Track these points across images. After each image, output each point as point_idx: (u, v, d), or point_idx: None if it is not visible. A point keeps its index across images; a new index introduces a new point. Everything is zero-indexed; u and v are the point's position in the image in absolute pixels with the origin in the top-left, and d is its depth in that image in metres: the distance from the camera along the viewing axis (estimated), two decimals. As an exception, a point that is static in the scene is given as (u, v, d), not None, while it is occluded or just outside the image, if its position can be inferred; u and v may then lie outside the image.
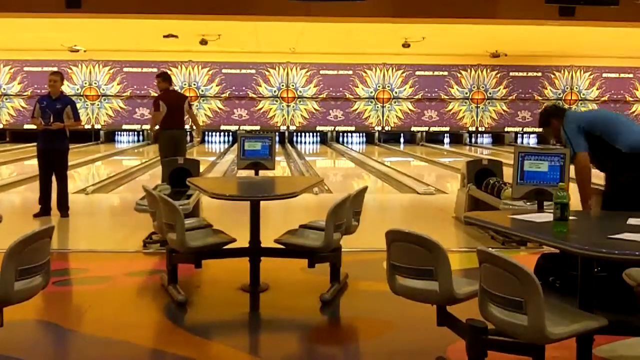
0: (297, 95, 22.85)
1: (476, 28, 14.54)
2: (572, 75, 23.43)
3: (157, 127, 8.75)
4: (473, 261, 3.10)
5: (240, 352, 3.79)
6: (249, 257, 4.82)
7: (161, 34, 17.16)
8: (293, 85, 22.81)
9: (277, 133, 19.46)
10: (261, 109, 22.78)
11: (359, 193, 4.93)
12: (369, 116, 23.13)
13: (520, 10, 10.18)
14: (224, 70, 22.55)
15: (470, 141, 23.58)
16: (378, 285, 4.43)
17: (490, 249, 2.89)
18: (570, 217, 3.12)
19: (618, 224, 3.18)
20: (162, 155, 8.37)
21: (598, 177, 4.82)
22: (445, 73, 23.15)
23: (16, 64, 22.11)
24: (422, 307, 3.27)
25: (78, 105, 8.39)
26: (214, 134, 23.04)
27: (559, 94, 23.21)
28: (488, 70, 23.29)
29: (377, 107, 23.12)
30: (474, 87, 23.34)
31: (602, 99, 23.40)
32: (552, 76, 23.39)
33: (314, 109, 22.96)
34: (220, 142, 22.84)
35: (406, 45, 18.59)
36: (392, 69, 23.01)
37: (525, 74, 23.29)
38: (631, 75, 23.57)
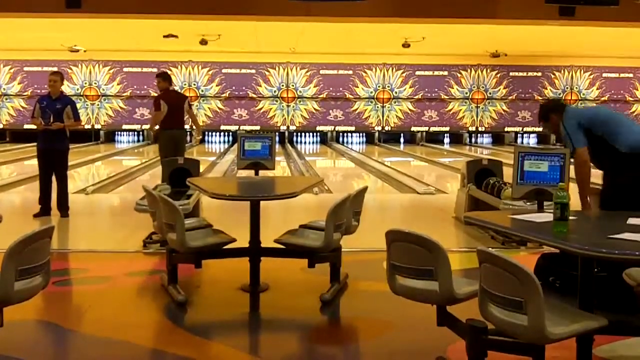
0: (297, 95, 22.85)
1: (476, 28, 14.54)
2: (572, 75, 23.44)
3: (157, 127, 8.76)
4: (473, 261, 3.10)
5: (240, 352, 3.79)
6: (249, 257, 4.82)
7: (161, 34, 17.16)
8: (293, 85, 22.81)
9: (277, 133, 19.48)
10: (261, 109, 22.78)
11: (359, 193, 4.93)
12: (369, 116, 23.13)
13: (520, 10, 10.18)
14: (224, 70, 22.55)
15: (470, 141, 23.58)
16: (378, 285, 4.43)
17: (490, 249, 2.89)
18: (570, 217, 3.12)
19: (618, 224, 3.18)
20: (162, 155, 8.37)
21: (596, 177, 4.81)
22: (445, 73, 23.16)
23: (16, 64, 22.11)
24: (422, 307, 3.27)
25: (78, 105, 8.39)
26: (214, 134, 23.04)
27: (559, 94, 23.21)
28: (488, 70, 23.29)
29: (377, 107, 23.12)
30: (474, 87, 23.34)
31: (602, 99, 23.40)
32: (552, 76, 23.39)
33: (314, 109, 22.96)
34: (220, 142, 22.84)
35: (406, 45, 18.60)
36: (392, 69, 23.01)
37: (525, 74, 23.30)
38: (631, 75, 23.57)
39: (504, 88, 23.46)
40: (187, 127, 9.59)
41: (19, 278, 3.08)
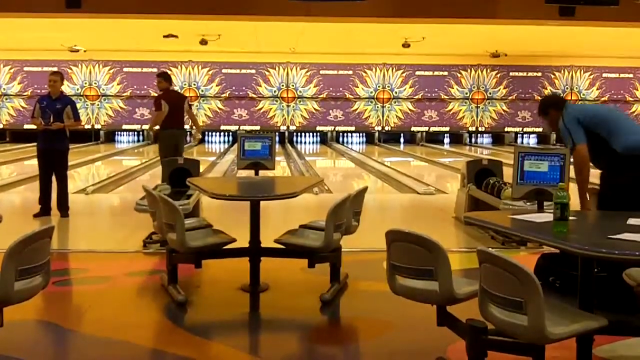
0: (297, 95, 22.85)
1: (476, 28, 14.54)
2: (572, 75, 23.44)
3: (157, 127, 8.77)
4: (473, 261, 3.10)
5: (240, 352, 3.79)
6: (249, 257, 4.82)
7: (161, 34, 17.16)
8: (293, 85, 22.82)
9: (277, 133, 19.48)
10: (261, 109, 22.78)
11: (359, 193, 4.93)
12: (369, 116, 23.14)
13: (520, 10, 10.18)
14: (224, 70, 22.55)
15: (470, 141, 23.58)
16: (378, 285, 4.43)
17: (490, 249, 2.89)
18: (570, 217, 3.12)
19: (618, 224, 3.18)
20: (162, 155, 8.38)
21: (594, 177, 4.80)
22: (445, 73, 23.16)
23: (16, 64, 22.11)
24: (422, 307, 3.27)
25: (78, 105, 8.39)
26: (214, 134, 23.04)
27: (559, 94, 23.21)
28: (488, 70, 23.29)
29: (377, 107, 23.12)
30: (474, 87, 23.34)
31: (602, 99, 23.40)
32: (552, 76, 23.39)
33: (314, 109, 22.97)
34: (220, 142, 22.84)
35: (406, 45, 18.60)
36: (392, 69, 23.01)
37: (525, 74, 23.30)
38: (631, 75, 23.57)
39: (504, 88, 23.46)
40: (186, 127, 9.58)
41: (19, 278, 3.08)
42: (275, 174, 8.92)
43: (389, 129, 23.28)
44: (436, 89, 23.17)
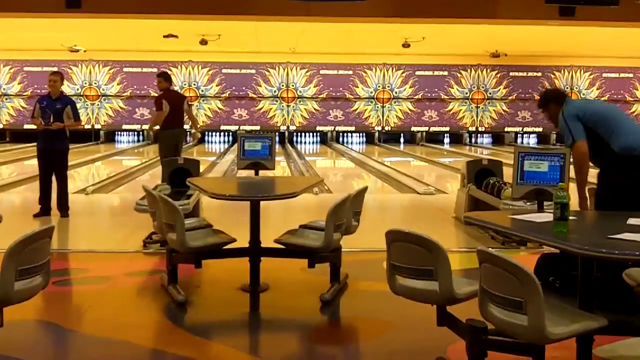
0: (297, 95, 22.85)
1: (476, 28, 14.54)
2: (572, 75, 23.44)
3: (157, 127, 8.78)
4: (473, 261, 3.10)
5: (240, 352, 3.79)
6: (249, 257, 4.82)
7: (161, 34, 17.16)
8: (293, 85, 22.82)
9: (277, 133, 19.47)
10: (261, 109, 22.78)
11: (359, 193, 4.93)
12: (369, 116, 23.14)
13: (520, 10, 10.18)
14: (224, 70, 22.55)
15: (470, 141, 23.58)
16: (378, 285, 4.43)
17: (490, 249, 2.89)
18: (570, 217, 3.12)
19: (618, 224, 3.18)
20: (162, 154, 8.39)
21: (592, 177, 4.79)
22: (445, 73, 23.16)
23: (16, 64, 22.11)
24: (422, 307, 3.27)
25: (78, 105, 8.39)
26: (214, 134, 23.04)
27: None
28: (488, 70, 23.29)
29: (377, 107, 23.12)
30: (474, 87, 23.35)
31: (602, 98, 23.37)
32: (552, 76, 23.39)
33: (314, 109, 22.97)
34: (220, 142, 22.84)
35: (406, 45, 18.60)
36: (392, 69, 23.01)
37: (525, 74, 23.30)
38: (631, 75, 23.58)
39: (504, 88, 23.46)
40: (186, 127, 9.60)
41: (19, 278, 3.08)
42: (275, 174, 8.92)
43: (389, 129, 23.28)
44: (436, 89, 23.17)
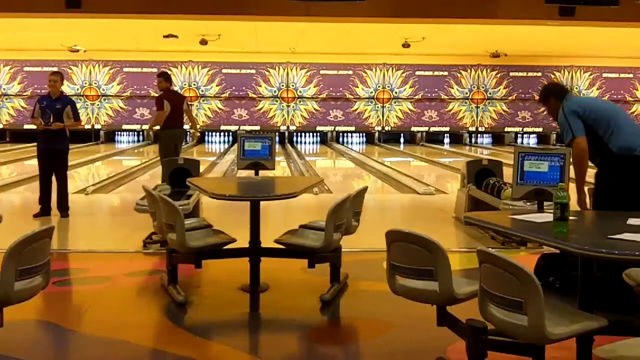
0: (297, 95, 22.85)
1: (476, 28, 14.54)
2: (572, 75, 23.44)
3: (157, 126, 8.79)
4: (473, 261, 3.10)
5: (240, 352, 3.79)
6: (249, 258, 4.82)
7: (161, 34, 17.16)
8: (293, 85, 22.82)
9: (277, 133, 19.48)
10: (261, 109, 22.78)
11: (359, 193, 4.93)
12: (369, 116, 23.14)
13: (520, 10, 10.18)
14: (224, 70, 22.55)
15: (470, 141, 23.58)
16: (378, 285, 4.43)
17: (490, 249, 2.89)
18: (570, 217, 3.12)
19: (618, 224, 3.18)
20: (163, 154, 8.39)
21: (590, 177, 4.78)
22: (445, 73, 23.16)
23: (16, 64, 22.11)
24: (422, 307, 3.27)
25: (78, 105, 8.39)
26: (214, 134, 23.05)
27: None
28: (488, 70, 23.29)
29: (377, 107, 23.12)
30: (474, 87, 23.35)
31: (602, 99, 23.42)
32: (552, 76, 23.38)
33: (314, 109, 22.97)
34: (220, 142, 22.84)
35: (406, 45, 18.60)
36: (392, 69, 23.01)
37: (525, 74, 23.30)
38: (631, 75, 23.57)
39: (504, 88, 23.46)
40: (185, 127, 9.61)
41: (19, 278, 3.09)
42: (275, 174, 8.92)
43: (389, 129, 23.28)
44: (436, 89, 23.17)
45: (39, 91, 19.83)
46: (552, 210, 3.10)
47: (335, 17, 11.05)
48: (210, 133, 22.95)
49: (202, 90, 22.62)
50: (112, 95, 22.48)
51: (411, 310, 3.73)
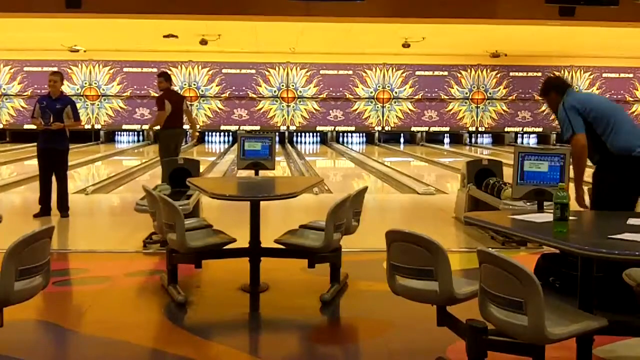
0: (297, 95, 22.85)
1: (476, 28, 14.54)
2: (572, 75, 23.44)
3: (157, 126, 8.79)
4: (473, 261, 3.10)
5: (240, 352, 3.79)
6: (249, 258, 4.82)
7: (161, 34, 17.16)
8: (293, 85, 22.82)
9: (277, 133, 19.50)
10: (261, 109, 22.78)
11: (359, 193, 4.93)
12: (369, 116, 23.14)
13: (520, 10, 10.18)
14: (224, 70, 22.56)
15: (470, 141, 23.58)
16: (378, 285, 4.44)
17: (490, 249, 2.89)
18: (570, 217, 3.12)
19: (618, 224, 3.18)
20: (163, 154, 8.40)
21: (588, 177, 4.78)
22: (445, 73, 23.16)
23: (16, 64, 22.11)
24: (422, 307, 3.27)
25: (78, 105, 8.40)
26: (214, 134, 23.05)
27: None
28: (488, 70, 23.29)
29: (377, 107, 23.13)
30: (474, 87, 23.35)
31: (603, 96, 23.40)
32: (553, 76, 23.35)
33: (314, 109, 22.97)
34: (220, 142, 22.84)
35: (406, 45, 18.60)
36: (392, 69, 23.01)
37: (525, 74, 23.30)
38: (631, 75, 23.58)
39: (504, 88, 23.46)
40: (185, 127, 9.62)
41: (19, 278, 3.09)
42: (275, 174, 8.92)
43: (389, 129, 23.28)
44: (436, 89, 23.18)
45: (39, 91, 19.83)
46: (552, 210, 3.10)
47: (335, 17, 11.05)
48: (210, 133, 22.95)
49: (202, 90, 22.62)
50: (112, 95, 22.48)
51: (411, 310, 3.73)
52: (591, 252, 2.72)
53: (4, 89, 22.24)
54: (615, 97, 23.32)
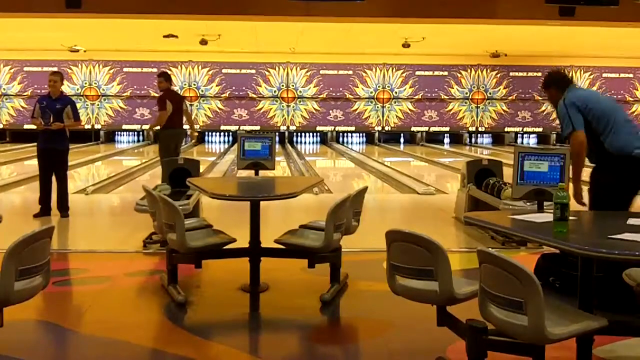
0: (297, 95, 22.85)
1: (476, 28, 14.54)
2: (572, 75, 23.34)
3: (157, 126, 8.80)
4: (473, 261, 3.10)
5: (240, 352, 3.79)
6: (249, 258, 4.82)
7: (161, 34, 17.16)
8: (293, 85, 22.82)
9: (277, 133, 19.50)
10: (261, 109, 22.78)
11: (359, 193, 4.93)
12: (369, 116, 23.14)
13: (520, 10, 10.18)
14: (224, 70, 22.56)
15: (470, 141, 23.58)
16: (378, 285, 4.43)
17: (490, 249, 2.89)
18: (570, 217, 3.12)
19: (618, 224, 3.18)
20: (163, 153, 8.40)
21: (585, 177, 4.78)
22: (445, 73, 23.16)
23: (16, 64, 22.11)
24: (422, 307, 3.27)
25: (78, 105, 8.40)
26: (214, 134, 23.05)
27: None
28: (488, 70, 23.29)
29: (377, 107, 23.13)
30: (474, 87, 23.35)
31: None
32: (552, 76, 23.34)
33: (314, 109, 22.97)
34: (220, 142, 22.84)
35: (406, 45, 18.60)
36: (392, 69, 23.01)
37: (525, 74, 23.30)
38: (631, 75, 23.58)
39: (504, 88, 23.46)
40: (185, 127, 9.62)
41: (19, 278, 3.09)
42: (275, 174, 8.92)
43: (389, 129, 23.28)
44: (436, 89, 23.18)
45: (39, 91, 19.83)
46: (552, 210, 3.10)
47: (335, 17, 11.05)
48: (210, 133, 22.96)
49: (202, 90, 22.62)
50: (112, 95, 22.48)
51: (411, 310, 3.73)
52: (591, 252, 2.72)
53: (4, 89, 22.24)
54: (615, 97, 23.28)
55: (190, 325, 4.27)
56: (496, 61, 22.52)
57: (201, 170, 8.29)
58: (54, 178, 7.86)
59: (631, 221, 3.23)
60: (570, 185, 4.56)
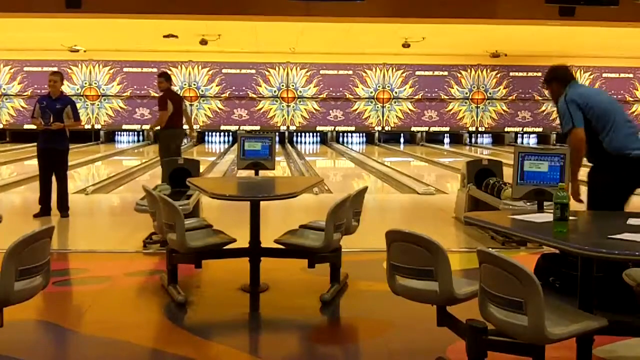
0: (297, 95, 22.85)
1: (476, 28, 14.54)
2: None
3: (158, 127, 8.81)
4: (473, 261, 3.10)
5: (240, 352, 3.79)
6: (249, 258, 4.82)
7: (161, 34, 17.16)
8: (293, 85, 22.82)
9: (277, 133, 19.49)
10: (261, 109, 22.78)
11: (359, 193, 4.93)
12: (369, 116, 23.14)
13: (520, 10, 10.18)
14: (224, 70, 22.56)
15: (470, 141, 23.58)
16: (378, 285, 4.43)
17: (490, 249, 2.89)
18: (570, 217, 3.12)
19: (618, 224, 3.18)
20: (163, 153, 8.40)
21: (582, 176, 4.78)
22: (445, 73, 23.16)
23: (16, 64, 22.12)
24: (422, 307, 3.27)
25: (78, 105, 8.40)
26: (214, 134, 23.05)
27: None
28: (488, 70, 23.29)
29: (377, 107, 23.13)
30: (474, 87, 23.35)
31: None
32: (552, 76, 23.34)
33: (314, 109, 22.97)
34: (220, 142, 22.84)
35: (406, 45, 18.60)
36: (392, 69, 23.01)
37: (525, 74, 23.30)
38: (631, 75, 23.57)
39: (504, 88, 23.46)
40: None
41: (19, 278, 3.09)
42: (275, 174, 8.92)
43: (389, 129, 23.28)
44: (436, 89, 23.18)
45: (39, 91, 19.83)
46: (552, 210, 3.10)
47: (335, 17, 11.05)
48: (210, 133, 22.95)
49: (202, 90, 22.62)
50: (112, 95, 22.48)
51: (411, 310, 3.73)
52: (591, 252, 2.72)
53: (4, 89, 22.24)
54: (615, 97, 23.20)
55: (190, 325, 4.27)
56: (496, 61, 22.52)
57: (201, 170, 8.29)
58: (54, 178, 7.86)
59: (631, 221, 3.23)
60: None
